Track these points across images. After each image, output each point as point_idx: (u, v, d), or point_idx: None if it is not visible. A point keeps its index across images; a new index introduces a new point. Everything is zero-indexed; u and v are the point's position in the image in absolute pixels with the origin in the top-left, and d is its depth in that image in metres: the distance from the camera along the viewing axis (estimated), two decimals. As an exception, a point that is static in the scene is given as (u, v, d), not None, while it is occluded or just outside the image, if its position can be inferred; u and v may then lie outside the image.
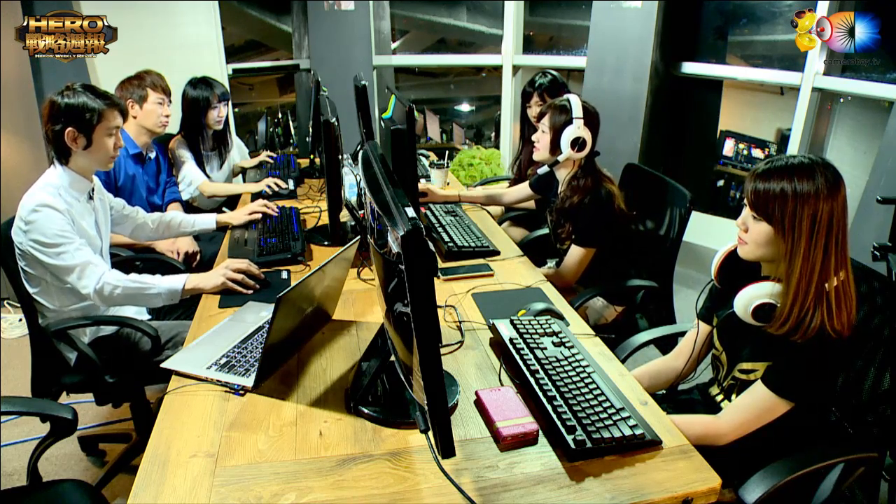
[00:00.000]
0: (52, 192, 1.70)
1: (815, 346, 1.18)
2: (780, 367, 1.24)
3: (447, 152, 3.42)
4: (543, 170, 2.13)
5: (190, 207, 2.97)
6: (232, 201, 2.95)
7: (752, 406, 1.25)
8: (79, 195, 1.79)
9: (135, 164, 2.55)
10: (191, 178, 2.86)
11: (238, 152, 3.28)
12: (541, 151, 2.11)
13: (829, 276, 1.18)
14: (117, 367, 1.83)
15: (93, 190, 1.87)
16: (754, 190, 1.22)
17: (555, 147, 2.05)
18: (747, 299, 1.25)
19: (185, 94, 2.86)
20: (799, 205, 1.17)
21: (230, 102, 3.00)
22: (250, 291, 1.76)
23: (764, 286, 1.24)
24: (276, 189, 2.75)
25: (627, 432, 1.12)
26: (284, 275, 1.88)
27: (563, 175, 2.12)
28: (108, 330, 1.89)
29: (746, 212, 1.25)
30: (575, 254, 2.05)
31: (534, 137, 2.12)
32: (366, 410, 1.22)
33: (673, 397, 1.56)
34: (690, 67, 3.70)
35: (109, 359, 1.83)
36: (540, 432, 1.16)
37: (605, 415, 1.16)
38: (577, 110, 2.00)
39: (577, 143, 1.99)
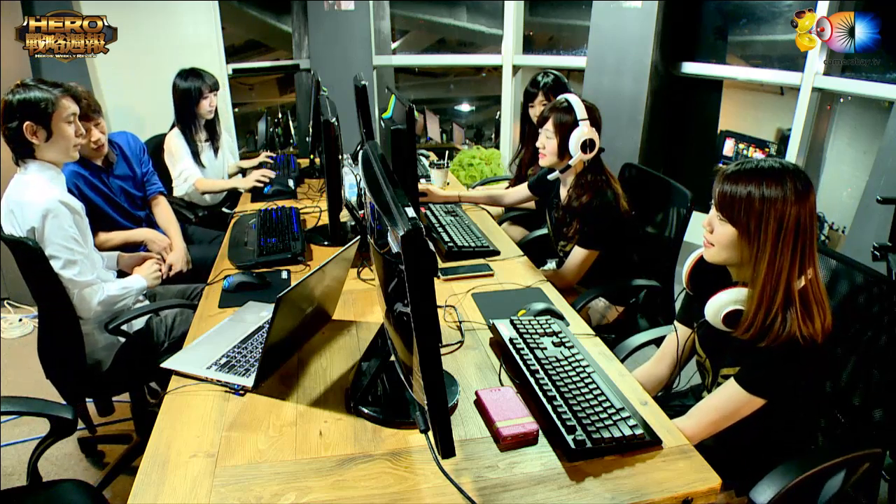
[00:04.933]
0: (49, 186, 1.71)
1: (788, 349, 1.17)
2: (754, 364, 1.23)
3: (447, 152, 3.42)
4: (554, 175, 2.09)
5: (185, 203, 2.97)
6: (233, 202, 2.96)
7: (723, 405, 1.24)
8: (61, 187, 1.80)
9: (95, 179, 2.31)
10: (186, 174, 2.87)
11: (228, 147, 3.28)
12: (548, 157, 2.05)
13: (795, 279, 1.18)
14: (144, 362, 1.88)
15: (77, 186, 1.90)
16: (721, 191, 1.21)
17: (563, 151, 2.02)
18: (718, 306, 1.24)
19: (176, 86, 2.86)
20: (765, 209, 1.16)
21: (218, 92, 2.99)
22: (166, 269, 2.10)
23: (733, 292, 1.23)
24: (266, 180, 2.78)
25: (627, 432, 1.12)
26: (284, 275, 1.88)
27: (568, 175, 2.09)
28: (139, 325, 1.92)
29: (713, 212, 1.25)
30: (578, 255, 2.04)
31: (538, 144, 2.07)
32: (366, 410, 1.22)
33: (667, 403, 1.55)
34: (690, 67, 3.70)
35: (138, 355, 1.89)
36: (540, 432, 1.16)
37: (605, 415, 1.16)
38: (581, 111, 1.97)
39: (588, 145, 1.97)
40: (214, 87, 2.91)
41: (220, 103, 3.04)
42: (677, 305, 1.54)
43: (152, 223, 2.53)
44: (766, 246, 1.17)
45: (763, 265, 1.17)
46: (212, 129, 3.04)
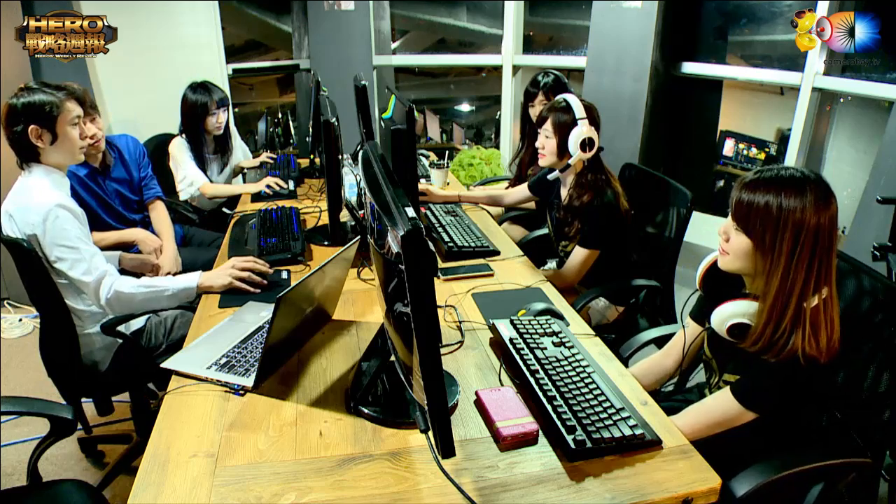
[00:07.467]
0: (51, 190, 1.70)
1: (788, 367, 1.16)
2: (751, 378, 1.22)
3: (447, 152, 3.42)
4: (554, 175, 2.09)
5: (188, 206, 2.97)
6: (232, 202, 2.96)
7: (716, 413, 1.24)
8: (65, 191, 1.80)
9: (90, 181, 2.33)
10: (192, 178, 2.87)
11: (242, 155, 3.28)
12: (547, 157, 2.05)
13: (808, 296, 1.15)
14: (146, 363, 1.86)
15: (70, 187, 1.87)
16: (739, 200, 1.18)
17: (562, 151, 2.02)
18: (723, 317, 1.23)
19: (185, 97, 2.86)
20: (782, 222, 1.13)
21: (230, 108, 2.97)
22: (258, 290, 1.75)
23: (741, 304, 1.21)
24: (277, 189, 2.75)
25: (627, 432, 1.12)
26: (284, 275, 1.88)
27: (567, 175, 2.09)
28: (138, 325, 1.91)
29: (729, 221, 1.22)
30: (578, 255, 2.04)
31: (538, 144, 2.08)
32: (366, 410, 1.22)
33: (671, 397, 1.56)
34: (690, 67, 3.70)
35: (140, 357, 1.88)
36: (540, 432, 1.16)
37: (605, 415, 1.16)
38: (580, 110, 1.97)
39: (587, 144, 1.97)
40: (222, 104, 2.88)
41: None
42: (678, 305, 1.55)
43: (149, 227, 2.54)
44: (780, 259, 1.14)
45: (776, 279, 1.15)
46: (223, 144, 3.01)
